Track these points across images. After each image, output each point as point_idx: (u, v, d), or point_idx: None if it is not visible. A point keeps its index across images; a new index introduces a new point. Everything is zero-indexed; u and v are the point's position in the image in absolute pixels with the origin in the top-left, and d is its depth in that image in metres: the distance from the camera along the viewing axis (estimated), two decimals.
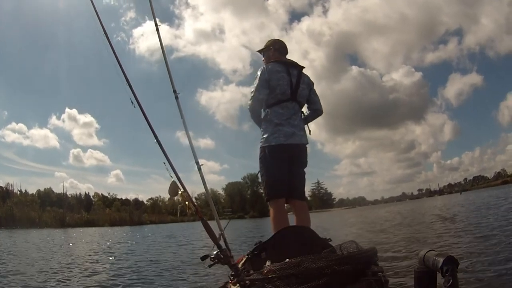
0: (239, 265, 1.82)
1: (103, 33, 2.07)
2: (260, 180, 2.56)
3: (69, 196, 54.68)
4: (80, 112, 79.72)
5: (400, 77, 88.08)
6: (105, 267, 5.85)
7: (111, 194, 63.36)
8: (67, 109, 79.95)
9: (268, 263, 1.77)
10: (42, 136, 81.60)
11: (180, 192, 1.85)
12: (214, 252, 1.76)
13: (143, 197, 67.39)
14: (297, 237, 1.95)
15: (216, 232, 1.88)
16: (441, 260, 1.45)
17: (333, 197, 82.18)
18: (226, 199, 68.99)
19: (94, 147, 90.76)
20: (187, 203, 1.85)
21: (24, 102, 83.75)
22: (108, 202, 58.92)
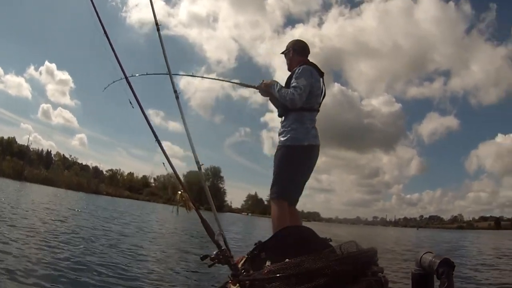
0: (239, 265, 1.82)
1: (103, 32, 2.07)
2: (275, 176, 2.45)
3: (32, 150, 54.32)
4: (59, 68, 78.79)
5: (379, 104, 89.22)
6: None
7: (72, 156, 62.93)
8: (46, 62, 78.09)
9: (268, 263, 1.76)
10: (16, 84, 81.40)
11: (179, 192, 1.85)
12: (214, 252, 1.76)
13: (103, 167, 66.31)
14: (297, 237, 1.94)
15: (216, 231, 1.87)
16: (437, 262, 1.45)
17: None
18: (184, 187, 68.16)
19: (65, 106, 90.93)
20: (184, 200, 1.84)
21: (5, 46, 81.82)
22: (68, 164, 58.82)
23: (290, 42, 2.76)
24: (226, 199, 74.18)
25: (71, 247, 5.51)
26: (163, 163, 1.87)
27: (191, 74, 3.79)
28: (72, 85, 78.89)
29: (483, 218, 72.59)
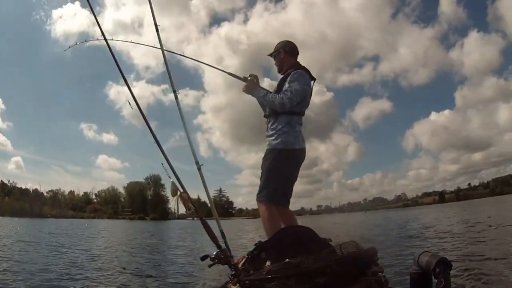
0: (239, 265, 1.82)
1: (102, 36, 2.07)
2: (265, 179, 2.44)
3: None
4: None
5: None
6: None
7: (11, 181, 59.88)
8: None
9: (268, 263, 1.76)
10: None
11: (179, 193, 1.85)
12: (214, 252, 1.76)
13: (43, 189, 64.02)
14: (297, 237, 1.94)
15: (217, 232, 1.87)
16: (433, 261, 1.45)
17: (233, 205, 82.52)
18: (127, 198, 67.03)
19: None
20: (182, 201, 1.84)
21: None
22: (7, 190, 56.37)
23: (279, 43, 2.70)
24: (169, 206, 70.97)
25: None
26: (162, 164, 1.87)
27: (181, 53, 3.63)
28: (2, 106, 74.68)
29: (427, 194, 75.26)
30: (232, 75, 2.70)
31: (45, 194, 62.82)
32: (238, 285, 1.60)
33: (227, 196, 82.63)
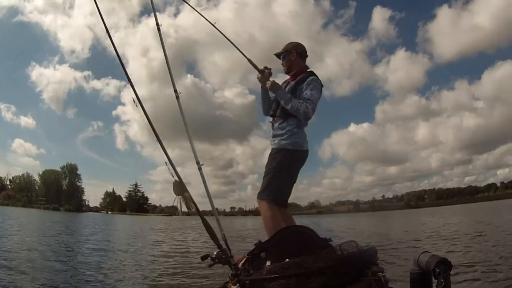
0: (239, 265, 1.82)
1: (105, 31, 2.07)
2: (270, 178, 2.42)
3: None
4: None
5: (233, 96, 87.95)
6: None
7: None
8: None
9: (268, 263, 1.77)
10: None
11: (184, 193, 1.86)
12: (215, 252, 1.76)
13: None
14: (297, 237, 1.94)
15: (218, 232, 1.88)
16: (434, 262, 1.46)
17: (148, 201, 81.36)
18: (41, 187, 64.61)
19: None
20: (187, 200, 1.85)
21: None
22: None
23: (289, 44, 2.67)
24: (84, 198, 70.29)
25: None
26: (165, 163, 1.87)
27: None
28: None
29: (340, 203, 78.14)
30: (251, 63, 2.66)
31: None
32: (238, 285, 1.61)
33: (143, 192, 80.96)
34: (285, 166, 2.42)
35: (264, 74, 2.58)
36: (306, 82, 2.47)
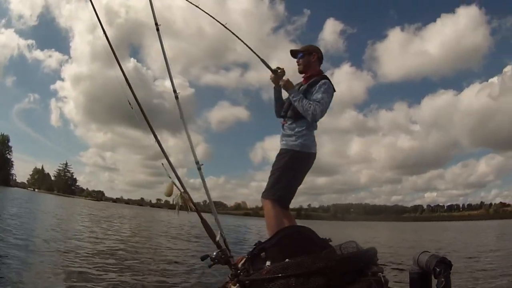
0: (239, 265, 1.82)
1: (102, 33, 2.06)
2: (277, 178, 2.42)
3: None
4: None
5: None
6: None
7: None
8: None
9: (268, 263, 1.77)
10: None
11: (179, 193, 1.86)
12: (214, 252, 1.76)
13: None
14: (297, 237, 1.94)
15: (217, 232, 1.87)
16: (434, 261, 1.45)
17: (76, 183, 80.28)
18: None
19: None
20: (185, 201, 1.84)
21: None
22: None
23: (311, 46, 2.71)
24: (12, 172, 68.42)
25: None
26: (162, 164, 1.87)
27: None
28: None
29: None
30: (265, 63, 2.66)
31: None
32: (238, 285, 1.60)
33: (72, 173, 79.92)
34: (292, 167, 2.43)
35: (277, 74, 2.60)
36: (318, 85, 2.49)
